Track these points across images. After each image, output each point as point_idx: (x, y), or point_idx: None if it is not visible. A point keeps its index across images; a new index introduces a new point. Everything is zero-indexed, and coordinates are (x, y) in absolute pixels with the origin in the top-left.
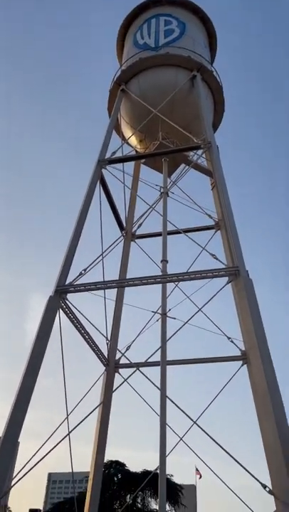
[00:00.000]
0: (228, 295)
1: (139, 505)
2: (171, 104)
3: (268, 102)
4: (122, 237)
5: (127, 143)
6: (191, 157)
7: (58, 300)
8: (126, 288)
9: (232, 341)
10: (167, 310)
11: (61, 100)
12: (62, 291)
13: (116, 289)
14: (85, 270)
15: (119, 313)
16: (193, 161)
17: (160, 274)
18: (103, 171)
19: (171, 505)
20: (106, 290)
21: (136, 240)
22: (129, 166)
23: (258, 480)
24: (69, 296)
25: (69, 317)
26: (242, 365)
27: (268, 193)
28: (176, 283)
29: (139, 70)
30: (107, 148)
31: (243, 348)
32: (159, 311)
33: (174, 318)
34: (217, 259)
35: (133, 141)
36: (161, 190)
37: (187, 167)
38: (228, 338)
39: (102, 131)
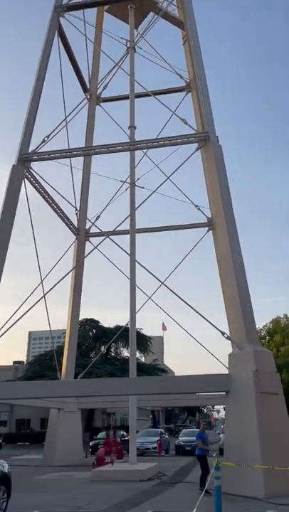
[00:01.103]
0: (196, 163)
1: (113, 354)
2: None
3: None
4: (86, 100)
5: None
6: (160, 3)
7: (21, 169)
8: (93, 156)
9: (199, 209)
10: (136, 179)
11: None
12: (25, 159)
13: (82, 157)
14: (48, 137)
15: (87, 182)
16: (162, 9)
17: (128, 141)
18: (62, 20)
19: (141, 352)
20: (72, 159)
21: (102, 104)
22: (91, 15)
23: (217, 328)
24: (34, 165)
25: (35, 187)
26: (207, 231)
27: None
28: (145, 150)
29: None
30: None
31: (210, 215)
32: (128, 180)
33: (143, 188)
34: (187, 123)
35: None
36: (128, 45)
37: (156, 16)
38: (196, 205)
39: None
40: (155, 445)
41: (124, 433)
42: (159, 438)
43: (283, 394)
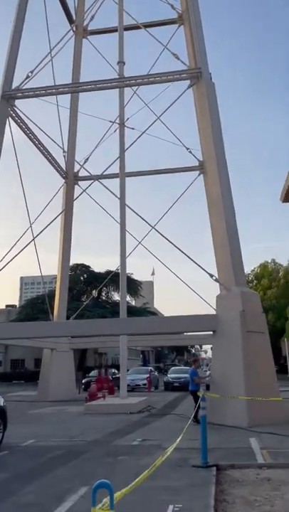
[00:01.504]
0: (187, 103)
1: (104, 298)
2: None
3: None
4: (72, 33)
5: None
6: None
7: (5, 107)
8: (80, 95)
9: (190, 151)
10: (125, 119)
11: None
12: (9, 96)
13: (69, 95)
14: (32, 72)
15: (75, 122)
16: None
17: (117, 77)
18: None
19: (132, 296)
20: (59, 97)
21: (89, 37)
22: None
23: (206, 271)
24: (18, 104)
25: (20, 127)
26: (199, 174)
27: None
28: (135, 88)
29: None
30: None
31: (201, 159)
32: (117, 120)
33: (132, 128)
34: (179, 59)
35: None
36: None
37: None
38: (187, 148)
39: None
40: (145, 381)
41: (116, 371)
42: (148, 375)
43: (268, 334)
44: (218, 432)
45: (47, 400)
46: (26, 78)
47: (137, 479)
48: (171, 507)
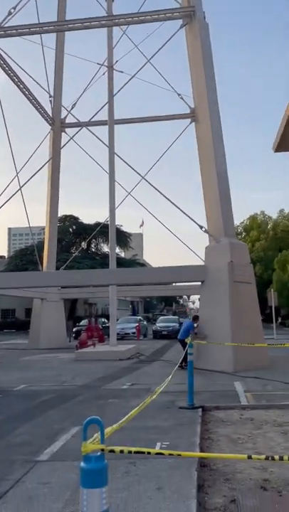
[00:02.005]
0: (180, 48)
1: (94, 250)
2: None
3: None
4: None
5: None
6: None
7: None
8: (67, 36)
9: (182, 98)
10: (114, 62)
11: None
12: None
13: (55, 35)
14: (14, 8)
15: (61, 65)
16: None
17: (105, 15)
18: None
19: (121, 248)
20: (44, 37)
21: None
22: None
23: (195, 222)
24: (1, 44)
25: (3, 68)
26: (190, 122)
27: None
28: (124, 28)
29: None
30: None
31: (192, 105)
32: (105, 63)
33: (122, 72)
34: None
35: None
36: None
37: None
38: (178, 94)
39: None
40: (134, 330)
41: (106, 320)
42: (137, 324)
43: (256, 285)
44: (204, 376)
45: (38, 348)
46: (8, 15)
47: (126, 416)
48: (158, 444)
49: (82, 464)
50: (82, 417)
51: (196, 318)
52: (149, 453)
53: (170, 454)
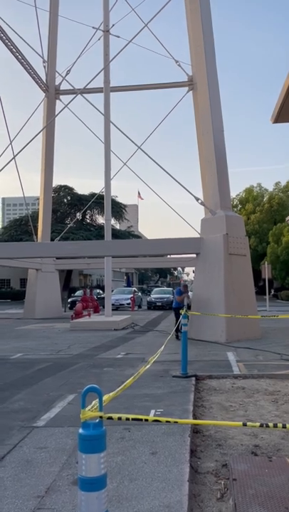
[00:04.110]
0: (177, 13)
1: (89, 221)
2: None
3: None
4: None
5: None
6: None
7: None
8: None
9: (179, 65)
10: (110, 26)
11: None
12: None
13: None
14: None
15: (55, 29)
16: None
17: None
18: None
19: (116, 219)
20: None
21: None
22: None
23: (191, 193)
24: None
25: None
26: (188, 91)
27: None
28: None
29: None
30: None
31: (190, 73)
32: (101, 27)
33: (118, 37)
34: None
35: None
36: None
37: None
38: (176, 61)
39: None
40: (129, 301)
41: (100, 291)
42: (132, 295)
43: (250, 257)
44: (197, 346)
45: (33, 318)
46: None
47: (123, 385)
48: (152, 411)
49: (80, 430)
50: (78, 385)
51: (185, 287)
52: (146, 420)
53: (167, 421)
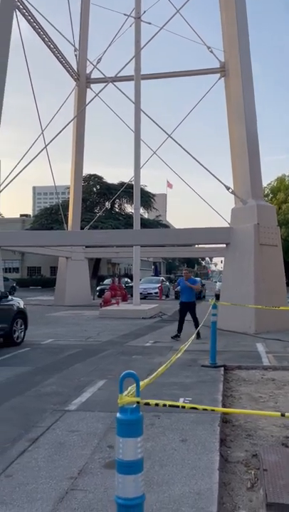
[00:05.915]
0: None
1: (117, 210)
2: None
3: None
4: None
5: None
6: None
7: None
8: None
9: (211, 51)
10: (142, 13)
11: None
12: None
13: None
14: None
15: (87, 17)
16: None
17: None
18: None
19: (144, 209)
20: None
21: None
22: None
23: (222, 182)
24: None
25: (28, 20)
26: (219, 78)
27: None
28: None
29: None
30: None
31: (223, 60)
32: (133, 14)
33: (149, 23)
34: None
35: None
36: None
37: None
38: (208, 47)
39: None
40: (157, 290)
41: (129, 280)
42: (160, 284)
43: (281, 248)
44: (225, 337)
45: (63, 305)
46: None
47: (156, 372)
48: (181, 399)
49: (118, 414)
50: (108, 372)
51: (186, 274)
52: (183, 407)
53: (204, 409)
